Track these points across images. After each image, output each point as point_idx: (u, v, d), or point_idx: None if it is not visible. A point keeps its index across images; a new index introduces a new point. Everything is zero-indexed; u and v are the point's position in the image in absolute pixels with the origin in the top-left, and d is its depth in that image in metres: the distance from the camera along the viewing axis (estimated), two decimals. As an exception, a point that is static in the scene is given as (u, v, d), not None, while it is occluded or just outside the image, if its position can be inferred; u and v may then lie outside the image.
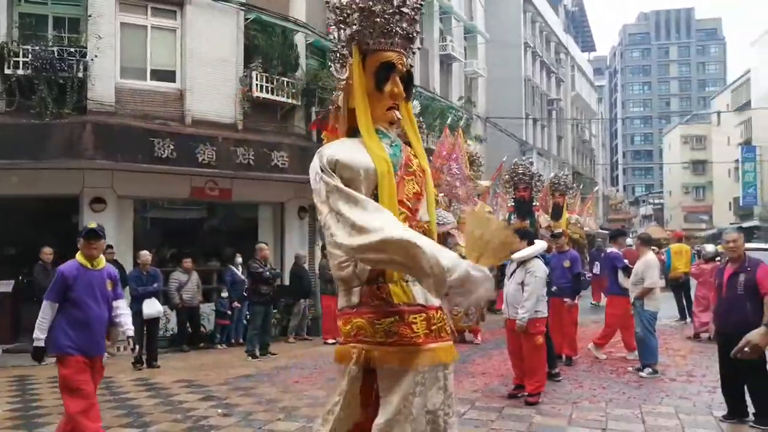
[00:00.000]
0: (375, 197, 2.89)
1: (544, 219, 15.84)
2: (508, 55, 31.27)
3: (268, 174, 12.89)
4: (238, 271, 12.03)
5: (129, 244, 11.97)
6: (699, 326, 11.45)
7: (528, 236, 7.47)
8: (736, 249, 6.25)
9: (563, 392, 7.40)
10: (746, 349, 3.25)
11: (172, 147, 11.46)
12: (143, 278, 9.81)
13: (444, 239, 9.71)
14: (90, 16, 11.48)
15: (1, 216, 11.37)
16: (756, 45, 45.60)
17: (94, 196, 11.55)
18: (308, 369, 9.25)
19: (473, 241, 2.74)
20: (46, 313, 4.84)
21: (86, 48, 11.29)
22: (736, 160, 44.98)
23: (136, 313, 9.65)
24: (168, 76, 12.61)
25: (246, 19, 13.37)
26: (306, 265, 13.41)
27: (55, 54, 11.08)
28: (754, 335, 3.31)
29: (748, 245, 7.19)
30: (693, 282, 13.04)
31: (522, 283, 7.00)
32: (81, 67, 11.20)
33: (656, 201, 74.63)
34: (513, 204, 15.05)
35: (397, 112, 3.08)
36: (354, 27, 3.04)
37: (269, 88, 13.27)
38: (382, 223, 2.63)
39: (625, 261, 9.54)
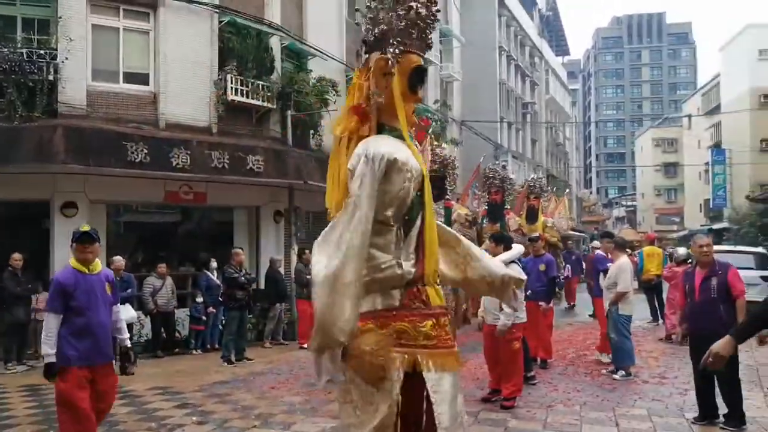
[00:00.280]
0: (419, 198, 2.98)
1: (513, 222, 15.93)
2: (483, 59, 31.46)
3: (243, 178, 12.80)
4: (213, 276, 11.92)
5: (102, 250, 11.76)
6: (671, 328, 11.61)
7: (504, 241, 7.47)
8: (709, 253, 6.36)
9: (538, 395, 7.46)
10: (710, 359, 3.31)
11: (145, 151, 11.32)
12: (116, 284, 9.64)
13: None
14: (60, 17, 11.29)
15: (-32, 221, 11.15)
16: (725, 50, 46.50)
17: (65, 201, 11.37)
18: (284, 374, 9.19)
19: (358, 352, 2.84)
20: (50, 325, 4.62)
21: (56, 50, 11.11)
22: (707, 163, 45.77)
23: (109, 319, 9.55)
24: (141, 78, 12.45)
25: (220, 22, 13.26)
26: (282, 269, 13.35)
27: (25, 56, 10.89)
28: (718, 345, 3.37)
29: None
30: (665, 284, 13.23)
31: None
32: (51, 69, 11.01)
33: (629, 203, 75.65)
34: (486, 207, 15.14)
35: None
36: (395, 25, 3.03)
37: (244, 92, 13.19)
38: (333, 260, 2.72)
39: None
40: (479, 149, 25.08)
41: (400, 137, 3.07)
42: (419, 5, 3.02)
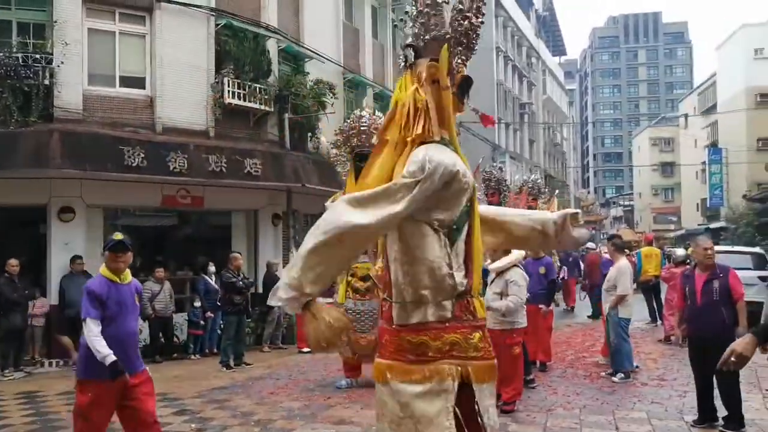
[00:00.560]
0: (467, 208, 2.98)
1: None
2: (480, 60, 31.36)
3: (240, 181, 12.76)
4: (212, 281, 11.90)
5: (99, 255, 11.73)
6: (669, 329, 11.58)
7: None
8: (712, 256, 6.38)
9: (538, 399, 7.45)
10: (732, 359, 3.16)
11: (142, 155, 11.28)
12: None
13: None
14: (56, 21, 11.23)
15: (-35, 227, 11.10)
16: (720, 49, 46.57)
17: (62, 206, 11.31)
18: (283, 379, 9.17)
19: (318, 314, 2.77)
20: (93, 330, 4.42)
21: (52, 54, 11.05)
22: (703, 162, 45.85)
23: (107, 325, 9.51)
24: (137, 82, 12.41)
25: (217, 25, 13.22)
26: (279, 273, 13.31)
27: (20, 60, 10.82)
28: (741, 345, 3.17)
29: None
30: (663, 285, 13.23)
31: (501, 293, 6.95)
32: (47, 73, 10.95)
33: (626, 203, 75.78)
34: (484, 210, 15.13)
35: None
36: (454, 32, 3.01)
37: (241, 95, 13.15)
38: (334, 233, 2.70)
39: None
40: (477, 150, 25.09)
41: (448, 146, 3.04)
42: (472, 15, 3.01)
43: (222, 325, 11.43)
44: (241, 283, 10.68)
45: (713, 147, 45.02)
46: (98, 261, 11.44)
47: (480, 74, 31.49)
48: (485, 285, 8.06)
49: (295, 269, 2.70)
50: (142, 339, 11.36)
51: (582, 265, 19.35)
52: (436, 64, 3.00)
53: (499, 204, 15.14)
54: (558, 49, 64.04)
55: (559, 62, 64.96)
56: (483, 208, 3.53)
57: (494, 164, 15.48)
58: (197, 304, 11.92)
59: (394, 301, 2.98)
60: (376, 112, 9.13)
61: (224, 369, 10.10)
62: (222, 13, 13.30)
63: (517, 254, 7.25)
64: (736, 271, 6.59)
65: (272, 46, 14.29)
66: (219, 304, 11.41)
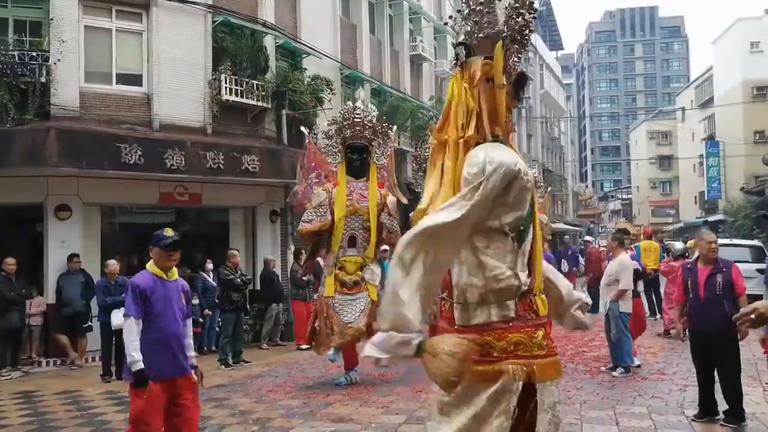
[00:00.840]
0: (530, 208, 2.96)
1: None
2: (477, 55, 31.41)
3: (238, 178, 12.73)
4: (209, 278, 11.86)
5: (96, 253, 11.72)
6: (669, 323, 11.61)
7: None
8: (716, 249, 6.38)
9: (538, 395, 7.43)
10: (752, 316, 3.16)
11: (139, 152, 11.23)
12: (111, 288, 9.60)
13: None
14: (52, 19, 11.16)
15: (-39, 226, 11.05)
16: (717, 43, 46.54)
17: (58, 204, 11.26)
18: (282, 377, 9.15)
19: (434, 350, 2.65)
20: (132, 331, 4.32)
21: (49, 52, 10.99)
22: (701, 156, 45.84)
23: (105, 324, 9.49)
24: (134, 80, 12.35)
25: (214, 22, 13.15)
26: (278, 270, 13.30)
27: (16, 58, 10.76)
28: (764, 305, 3.18)
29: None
30: (662, 278, 13.23)
31: None
32: (43, 71, 10.89)
33: (624, 196, 75.79)
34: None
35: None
36: (508, 30, 2.98)
37: (238, 91, 13.10)
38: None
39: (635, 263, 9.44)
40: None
41: (504, 144, 3.03)
42: (525, 11, 2.98)
43: (220, 323, 11.40)
44: (239, 280, 10.65)
45: (710, 140, 44.99)
46: (95, 259, 11.49)
47: (477, 69, 31.52)
48: None
49: (396, 306, 2.59)
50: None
51: (581, 259, 19.34)
52: (491, 62, 2.97)
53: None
54: (555, 43, 63.95)
55: (557, 57, 64.82)
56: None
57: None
58: (195, 301, 11.83)
59: (455, 302, 2.96)
60: (370, 105, 9.08)
61: (222, 367, 10.07)
62: (219, 9, 13.24)
63: None
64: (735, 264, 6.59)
65: (269, 42, 14.24)
66: (217, 301, 11.38)
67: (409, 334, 2.59)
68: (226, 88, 12.80)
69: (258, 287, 12.97)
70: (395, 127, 10.28)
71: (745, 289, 6.29)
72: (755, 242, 19.92)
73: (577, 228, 40.52)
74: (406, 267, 2.63)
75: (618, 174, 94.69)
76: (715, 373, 6.26)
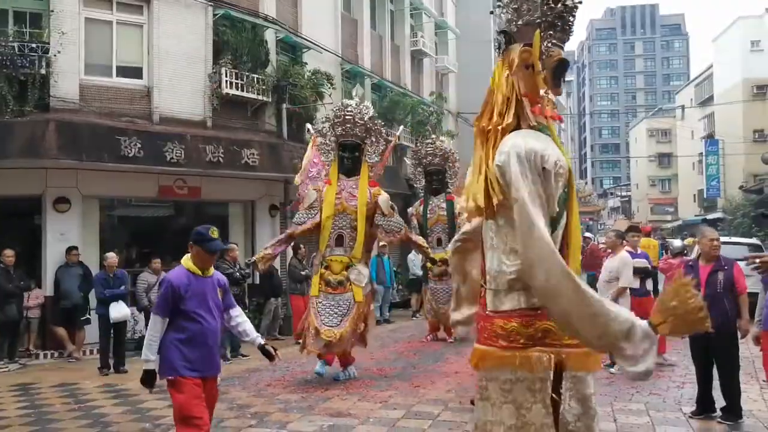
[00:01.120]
0: (565, 194, 2.96)
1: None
2: (478, 51, 31.31)
3: (238, 172, 12.72)
4: (208, 271, 11.83)
5: (95, 245, 11.71)
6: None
7: None
8: (718, 247, 6.38)
9: (536, 391, 7.43)
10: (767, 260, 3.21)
11: (139, 145, 11.22)
12: (110, 281, 9.58)
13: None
14: (53, 11, 11.12)
15: (-40, 217, 11.02)
16: (717, 41, 46.50)
17: (57, 196, 11.24)
18: (280, 371, 9.14)
19: (664, 308, 2.70)
20: (155, 329, 4.24)
21: (49, 44, 10.95)
22: (700, 154, 45.84)
23: (103, 316, 9.48)
24: (134, 72, 12.32)
25: (215, 15, 13.12)
26: (277, 264, 13.27)
27: (16, 50, 10.72)
28: None
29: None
30: (660, 275, 13.22)
31: None
32: (43, 63, 10.85)
33: (624, 193, 75.73)
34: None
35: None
36: (545, 17, 2.98)
37: (239, 85, 13.07)
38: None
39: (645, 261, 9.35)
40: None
41: (543, 131, 3.01)
42: None
43: (219, 317, 11.37)
44: (237, 274, 10.63)
45: (710, 138, 45.00)
46: (93, 251, 11.48)
47: (478, 66, 31.39)
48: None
49: (607, 325, 2.59)
50: (138, 330, 11.37)
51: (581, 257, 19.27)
52: (530, 49, 2.97)
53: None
54: (556, 40, 63.77)
55: (557, 53, 64.76)
56: None
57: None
58: (194, 295, 11.86)
59: (487, 288, 2.99)
60: (366, 101, 8.96)
61: (221, 360, 10.04)
62: (220, 3, 13.21)
63: None
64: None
65: (270, 36, 14.21)
66: (216, 295, 11.34)
67: (638, 329, 2.60)
68: (226, 81, 12.77)
69: (257, 281, 12.96)
70: (401, 127, 10.17)
71: (746, 288, 6.29)
72: (753, 240, 19.93)
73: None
74: (578, 291, 2.61)
75: (617, 171, 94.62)
76: (714, 370, 6.28)
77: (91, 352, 10.68)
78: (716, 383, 6.30)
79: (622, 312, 2.67)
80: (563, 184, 2.94)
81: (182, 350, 4.21)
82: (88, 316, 10.56)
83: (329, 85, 14.99)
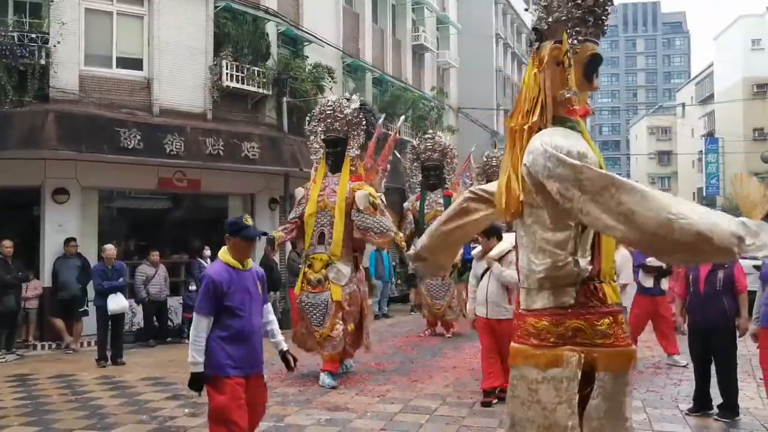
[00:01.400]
0: None
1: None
2: (479, 46, 31.29)
3: (237, 165, 12.70)
4: (207, 264, 11.82)
5: (94, 237, 11.69)
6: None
7: (496, 232, 6.87)
8: None
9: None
10: None
11: (138, 137, 11.19)
12: (108, 272, 9.56)
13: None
14: (53, 1, 11.06)
15: (-41, 207, 10.99)
16: (718, 39, 46.47)
17: (56, 187, 11.22)
18: (278, 365, 9.04)
19: (745, 199, 2.78)
20: (200, 329, 4.02)
21: (48, 34, 10.91)
22: (700, 152, 45.89)
23: (101, 308, 9.46)
24: (135, 64, 12.28)
25: (216, 7, 13.08)
26: (276, 258, 13.26)
27: (16, 39, 10.68)
28: None
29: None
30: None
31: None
32: (43, 53, 10.82)
33: (623, 191, 75.70)
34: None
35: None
36: (573, 13, 2.99)
37: (239, 78, 13.04)
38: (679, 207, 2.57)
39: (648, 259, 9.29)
40: (475, 136, 25.00)
41: (574, 128, 3.00)
42: None
43: (217, 310, 11.36)
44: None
45: (710, 136, 45.03)
46: (92, 243, 11.45)
47: (479, 61, 31.39)
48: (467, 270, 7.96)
49: (717, 222, 2.55)
50: (136, 323, 11.38)
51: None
52: (560, 46, 2.97)
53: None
54: (557, 36, 63.70)
55: (558, 50, 64.71)
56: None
57: (494, 150, 15.39)
58: (192, 287, 11.83)
59: (520, 286, 3.02)
60: (353, 96, 8.79)
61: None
62: (221, -5, 13.16)
63: (507, 242, 6.93)
64: (730, 260, 6.58)
65: (271, 29, 14.17)
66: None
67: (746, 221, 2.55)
68: (226, 74, 12.74)
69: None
70: (402, 118, 9.97)
71: (746, 287, 6.28)
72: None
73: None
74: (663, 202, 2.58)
75: (618, 168, 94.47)
76: (712, 367, 6.28)
77: (89, 343, 10.66)
78: (713, 381, 6.30)
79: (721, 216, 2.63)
80: None
81: (226, 348, 4.06)
82: (86, 307, 10.55)
83: (330, 78, 14.96)
